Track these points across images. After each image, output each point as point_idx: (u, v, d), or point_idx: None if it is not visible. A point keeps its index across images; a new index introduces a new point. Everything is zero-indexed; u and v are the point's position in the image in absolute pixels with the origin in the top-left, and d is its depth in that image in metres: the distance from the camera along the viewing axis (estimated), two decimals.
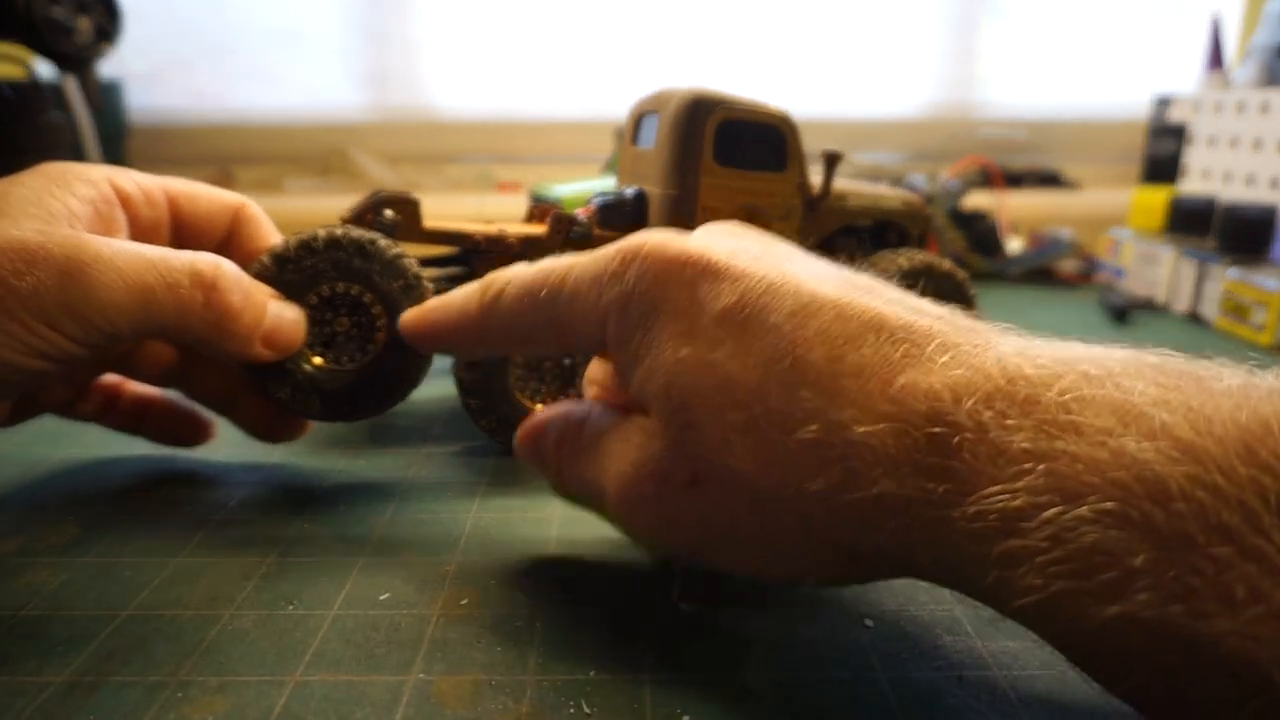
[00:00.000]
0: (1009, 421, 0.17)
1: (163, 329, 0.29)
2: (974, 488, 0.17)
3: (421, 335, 0.30)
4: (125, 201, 0.31)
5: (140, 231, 0.32)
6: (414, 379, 0.35)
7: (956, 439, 0.18)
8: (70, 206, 0.28)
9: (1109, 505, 0.15)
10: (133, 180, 0.32)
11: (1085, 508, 0.16)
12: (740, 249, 0.23)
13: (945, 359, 0.19)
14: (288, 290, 0.33)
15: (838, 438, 0.19)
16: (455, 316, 0.28)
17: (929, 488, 0.18)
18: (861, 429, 0.19)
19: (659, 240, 0.23)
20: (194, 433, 0.38)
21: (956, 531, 0.17)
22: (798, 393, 0.20)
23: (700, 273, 0.22)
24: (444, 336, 0.29)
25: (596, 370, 0.29)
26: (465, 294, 0.28)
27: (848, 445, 0.19)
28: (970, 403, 0.18)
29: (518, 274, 0.26)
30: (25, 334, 0.26)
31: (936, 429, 0.18)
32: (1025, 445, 0.17)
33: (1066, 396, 0.17)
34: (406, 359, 0.34)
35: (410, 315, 0.30)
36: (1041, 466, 0.16)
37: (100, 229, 0.29)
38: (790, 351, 0.20)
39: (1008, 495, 0.17)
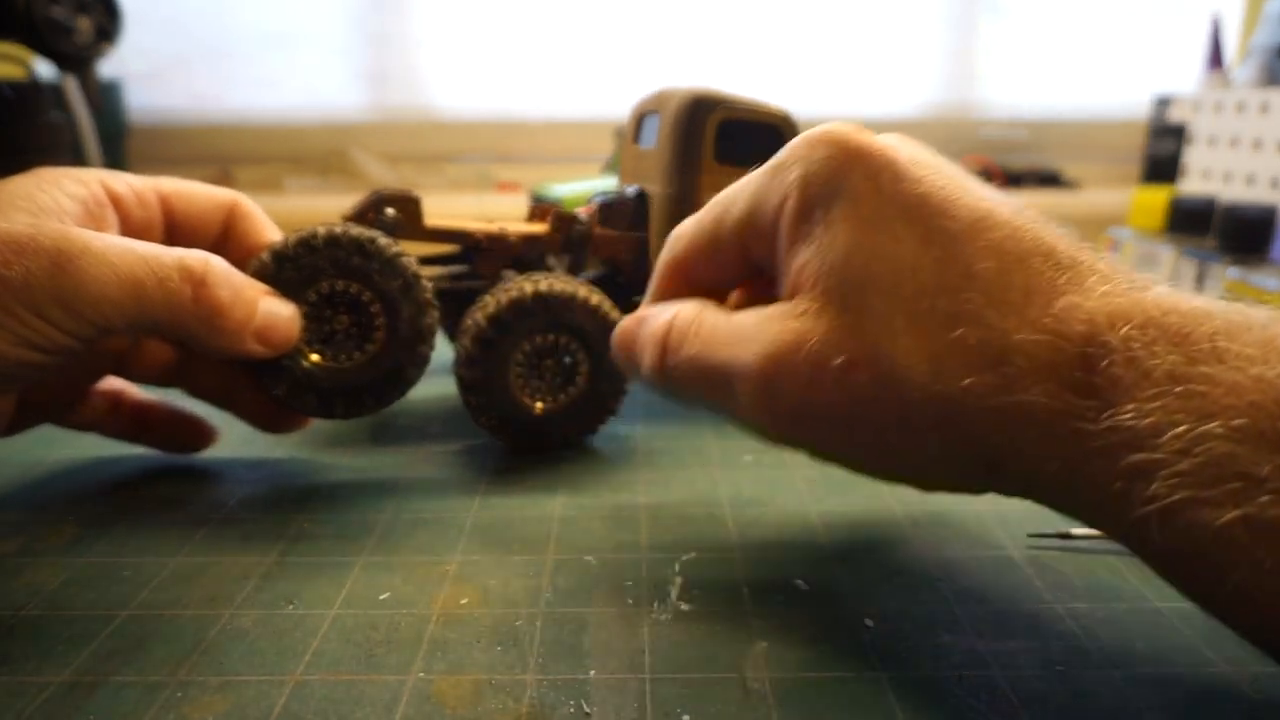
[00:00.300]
0: (1157, 348, 0.18)
1: (153, 324, 0.29)
2: (1112, 405, 0.19)
3: (618, 342, 0.30)
4: (117, 202, 0.31)
5: (132, 232, 0.32)
6: (411, 378, 0.35)
7: (1106, 360, 0.19)
8: (60, 203, 0.28)
9: (1240, 422, 0.17)
10: (124, 181, 0.32)
11: (1216, 423, 0.17)
12: (920, 156, 0.23)
13: (1105, 288, 0.20)
14: (286, 287, 0.33)
15: (997, 342, 0.20)
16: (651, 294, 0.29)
17: (1073, 401, 0.19)
18: (1020, 336, 0.20)
19: (845, 128, 0.23)
20: (196, 439, 0.38)
21: (1088, 445, 0.19)
22: (967, 296, 0.21)
23: (884, 166, 0.23)
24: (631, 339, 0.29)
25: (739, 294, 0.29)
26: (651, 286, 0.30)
27: (1005, 350, 0.20)
28: (1124, 329, 0.19)
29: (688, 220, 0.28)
30: (15, 324, 0.26)
31: (1089, 349, 0.19)
32: (1169, 370, 0.18)
33: (1214, 331, 0.18)
34: (404, 358, 0.34)
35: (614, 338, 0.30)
36: (1180, 388, 0.18)
37: (91, 227, 0.29)
38: (964, 258, 0.21)
39: (1143, 413, 0.18)
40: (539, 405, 0.38)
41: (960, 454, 0.22)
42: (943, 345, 0.21)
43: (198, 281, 0.29)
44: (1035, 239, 0.21)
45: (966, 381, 0.20)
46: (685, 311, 0.26)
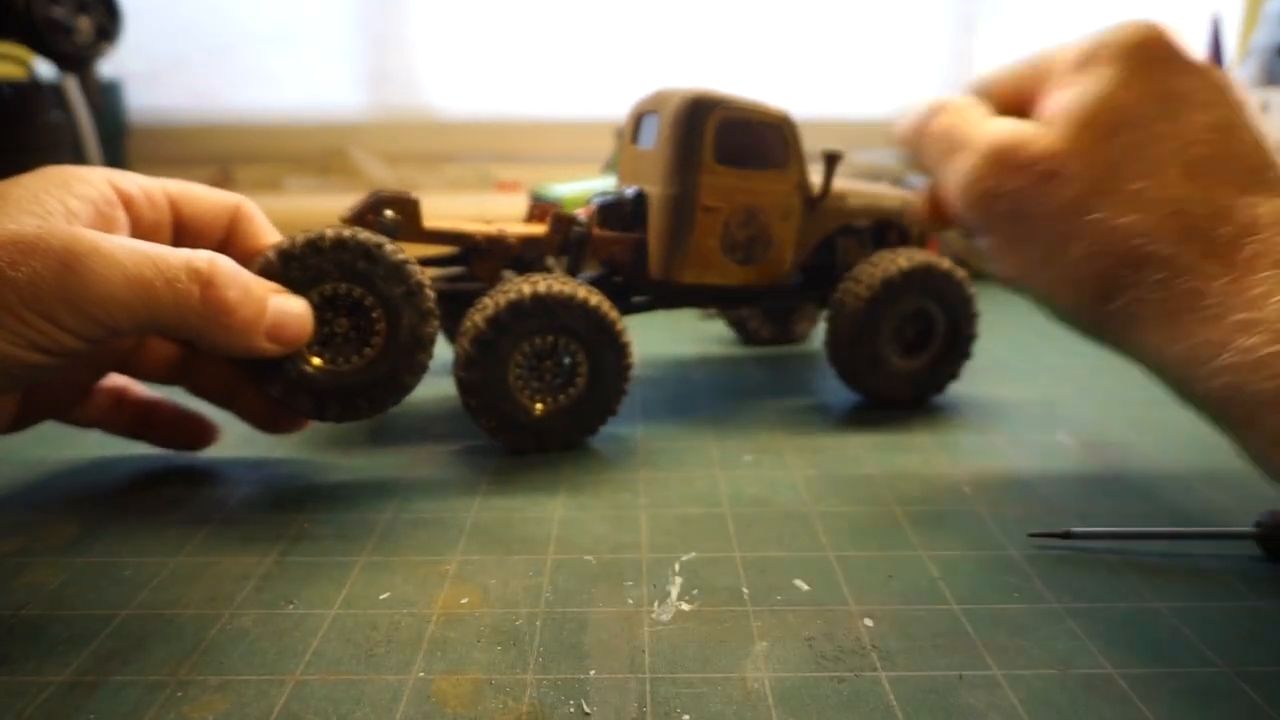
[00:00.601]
0: None
1: (160, 324, 0.28)
2: (1238, 277, 0.23)
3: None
4: (128, 203, 0.31)
5: (143, 232, 0.32)
6: (407, 385, 0.35)
7: (1250, 247, 0.24)
8: (69, 205, 0.28)
9: None
10: (135, 182, 0.32)
11: None
12: (1214, 76, 0.28)
13: None
14: (290, 287, 0.33)
15: (1169, 204, 0.25)
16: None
17: (1207, 267, 0.24)
18: (1192, 207, 0.25)
19: (1164, 27, 0.29)
20: (199, 436, 0.38)
21: (1204, 301, 0.24)
22: (1169, 163, 0.26)
23: (1171, 59, 0.28)
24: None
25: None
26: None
27: (1174, 212, 0.25)
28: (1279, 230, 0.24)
29: None
30: (19, 325, 0.26)
31: (1243, 237, 0.24)
32: None
33: None
34: (401, 364, 0.34)
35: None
36: None
37: (101, 228, 0.29)
38: (1186, 138, 0.26)
39: (1260, 283, 0.23)
40: (538, 406, 0.38)
41: (1091, 277, 0.27)
42: (1128, 190, 0.26)
43: (205, 282, 0.29)
44: (1260, 156, 0.26)
45: (1128, 219, 0.26)
46: (960, 98, 0.32)
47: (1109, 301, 0.26)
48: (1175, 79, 0.27)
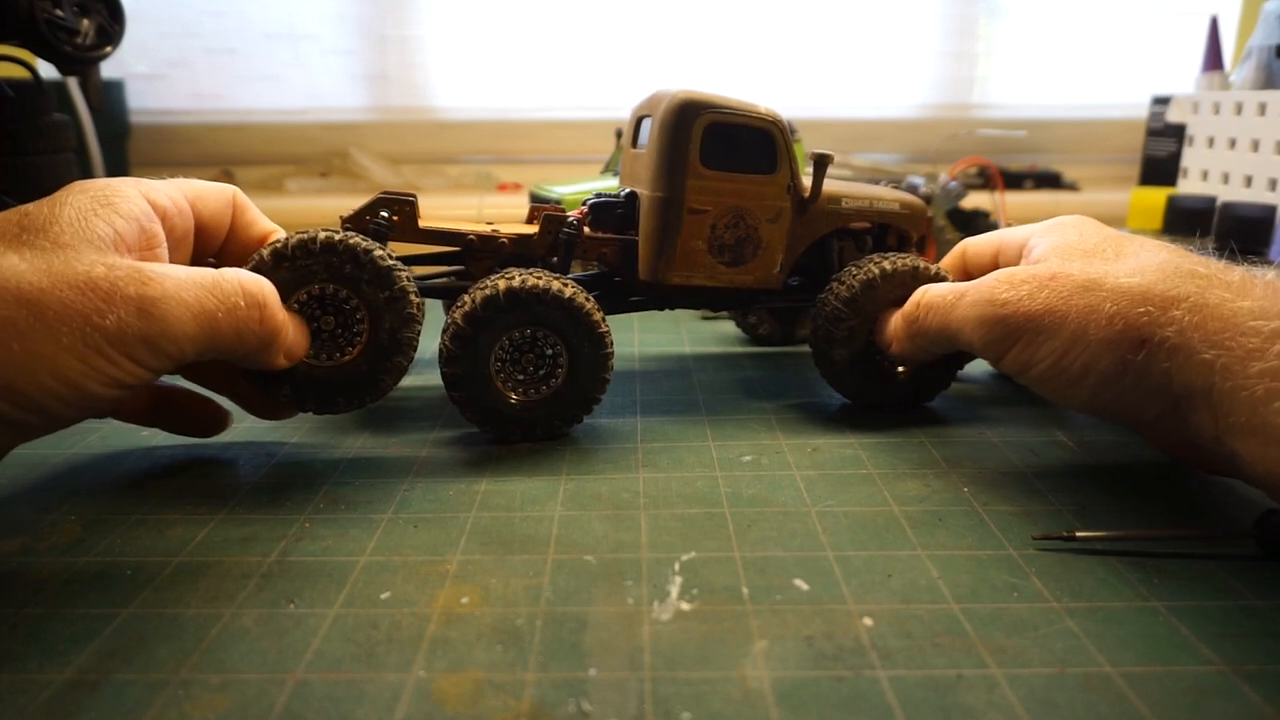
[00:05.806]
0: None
1: (219, 349, 0.30)
2: (1253, 298, 0.29)
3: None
4: (162, 216, 0.32)
5: (175, 241, 0.33)
6: (384, 386, 0.36)
7: (1266, 278, 0.30)
8: (117, 228, 0.29)
9: None
10: (163, 194, 0.33)
11: None
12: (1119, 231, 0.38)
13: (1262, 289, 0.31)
14: (280, 286, 0.33)
15: (1169, 264, 0.33)
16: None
17: (1223, 294, 0.30)
18: (1179, 267, 0.32)
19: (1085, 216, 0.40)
20: (212, 423, 0.39)
21: (1230, 316, 0.29)
22: (1151, 258, 0.34)
23: (1098, 224, 0.39)
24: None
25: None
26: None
27: (1173, 272, 0.32)
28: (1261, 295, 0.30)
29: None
30: (109, 367, 0.27)
31: (1251, 278, 0.31)
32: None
33: None
34: (379, 366, 0.35)
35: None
36: None
37: (145, 246, 0.31)
38: (1131, 252, 0.35)
39: (1256, 303, 0.29)
40: (521, 397, 0.38)
41: (1124, 330, 0.31)
42: (1124, 269, 0.33)
43: (261, 304, 0.31)
44: (1207, 261, 0.33)
45: (1141, 279, 0.32)
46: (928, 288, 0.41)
47: (1144, 346, 0.31)
48: (1103, 229, 0.38)
